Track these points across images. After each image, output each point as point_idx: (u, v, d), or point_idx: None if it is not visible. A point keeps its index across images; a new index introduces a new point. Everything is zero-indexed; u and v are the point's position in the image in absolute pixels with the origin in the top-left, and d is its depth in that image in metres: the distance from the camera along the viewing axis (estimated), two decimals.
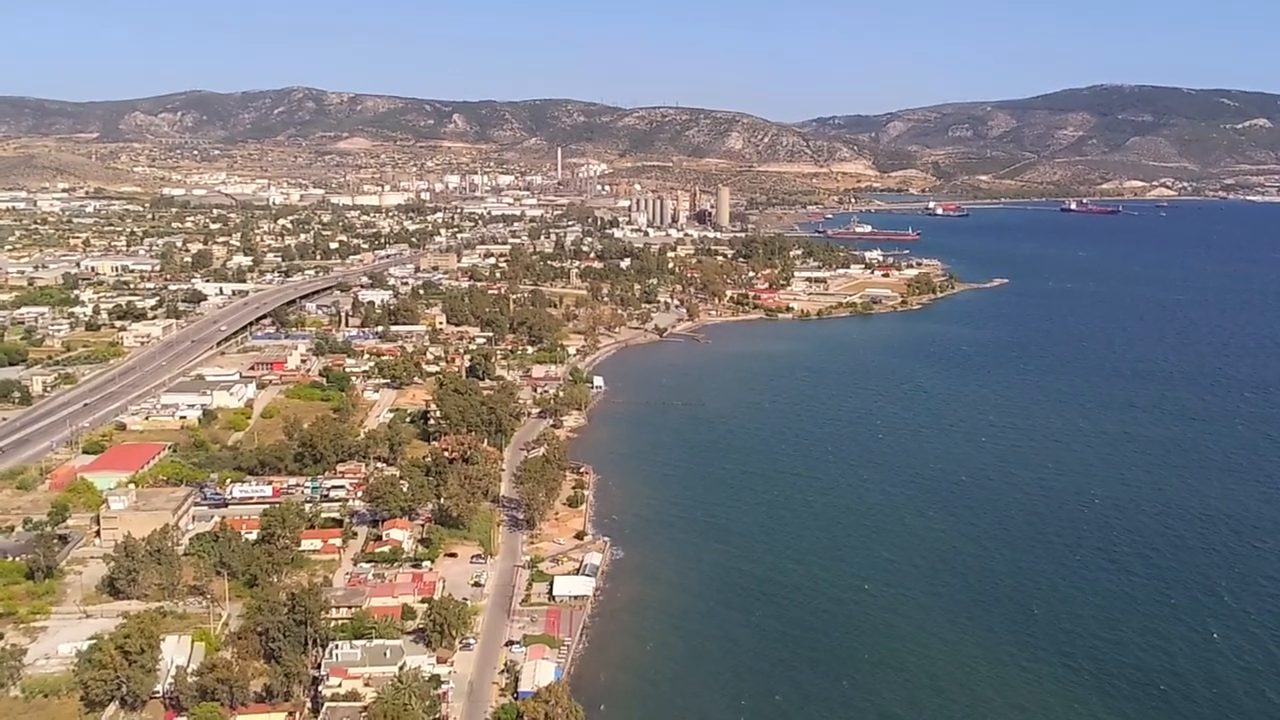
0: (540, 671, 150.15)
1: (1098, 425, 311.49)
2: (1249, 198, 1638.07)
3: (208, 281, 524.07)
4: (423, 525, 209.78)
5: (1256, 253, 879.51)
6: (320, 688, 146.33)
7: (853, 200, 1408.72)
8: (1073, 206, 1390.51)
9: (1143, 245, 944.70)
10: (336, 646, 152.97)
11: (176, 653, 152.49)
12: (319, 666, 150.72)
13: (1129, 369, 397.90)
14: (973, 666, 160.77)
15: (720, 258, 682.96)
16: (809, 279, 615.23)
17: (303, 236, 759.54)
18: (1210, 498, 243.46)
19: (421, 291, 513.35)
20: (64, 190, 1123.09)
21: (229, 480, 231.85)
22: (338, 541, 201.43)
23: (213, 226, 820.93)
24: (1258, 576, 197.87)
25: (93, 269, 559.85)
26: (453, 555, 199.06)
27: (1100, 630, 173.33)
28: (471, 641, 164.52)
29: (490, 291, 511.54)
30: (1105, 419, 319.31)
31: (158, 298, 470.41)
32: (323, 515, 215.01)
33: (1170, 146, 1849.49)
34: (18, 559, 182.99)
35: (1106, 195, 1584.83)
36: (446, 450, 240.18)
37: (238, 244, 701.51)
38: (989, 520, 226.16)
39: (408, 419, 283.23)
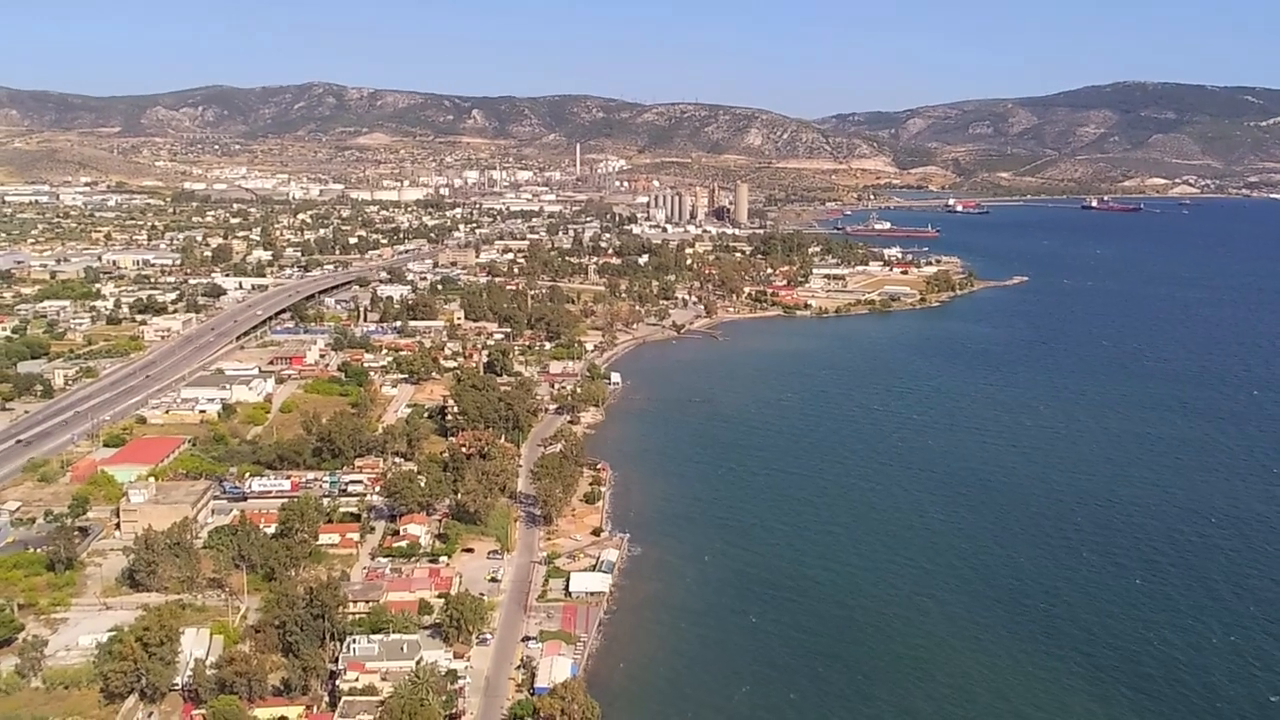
0: (556, 667, 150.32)
1: (1111, 425, 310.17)
2: (1272, 195, 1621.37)
3: (227, 276, 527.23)
4: (440, 521, 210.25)
5: (1278, 251, 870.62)
6: (337, 682, 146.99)
7: (872, 197, 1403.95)
8: (1094, 204, 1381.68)
9: (1164, 244, 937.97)
10: (354, 641, 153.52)
11: (195, 645, 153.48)
12: (336, 660, 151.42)
13: (1145, 369, 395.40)
14: (981, 666, 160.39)
15: (738, 254, 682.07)
16: (827, 276, 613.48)
17: (322, 231, 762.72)
18: (1218, 499, 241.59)
19: (440, 287, 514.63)
20: (86, 184, 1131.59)
21: (248, 474, 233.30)
22: (355, 536, 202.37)
23: (233, 221, 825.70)
24: (1267, 579, 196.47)
25: (114, 263, 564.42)
26: (470, 551, 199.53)
27: (1104, 631, 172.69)
28: (488, 637, 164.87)
29: (508, 287, 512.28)
30: (1119, 419, 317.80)
31: (178, 292, 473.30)
32: (340, 510, 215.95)
33: (1193, 144, 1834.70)
34: (39, 551, 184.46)
35: (1128, 193, 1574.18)
36: (464, 446, 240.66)
37: (257, 239, 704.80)
38: (1002, 521, 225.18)
39: (425, 414, 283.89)
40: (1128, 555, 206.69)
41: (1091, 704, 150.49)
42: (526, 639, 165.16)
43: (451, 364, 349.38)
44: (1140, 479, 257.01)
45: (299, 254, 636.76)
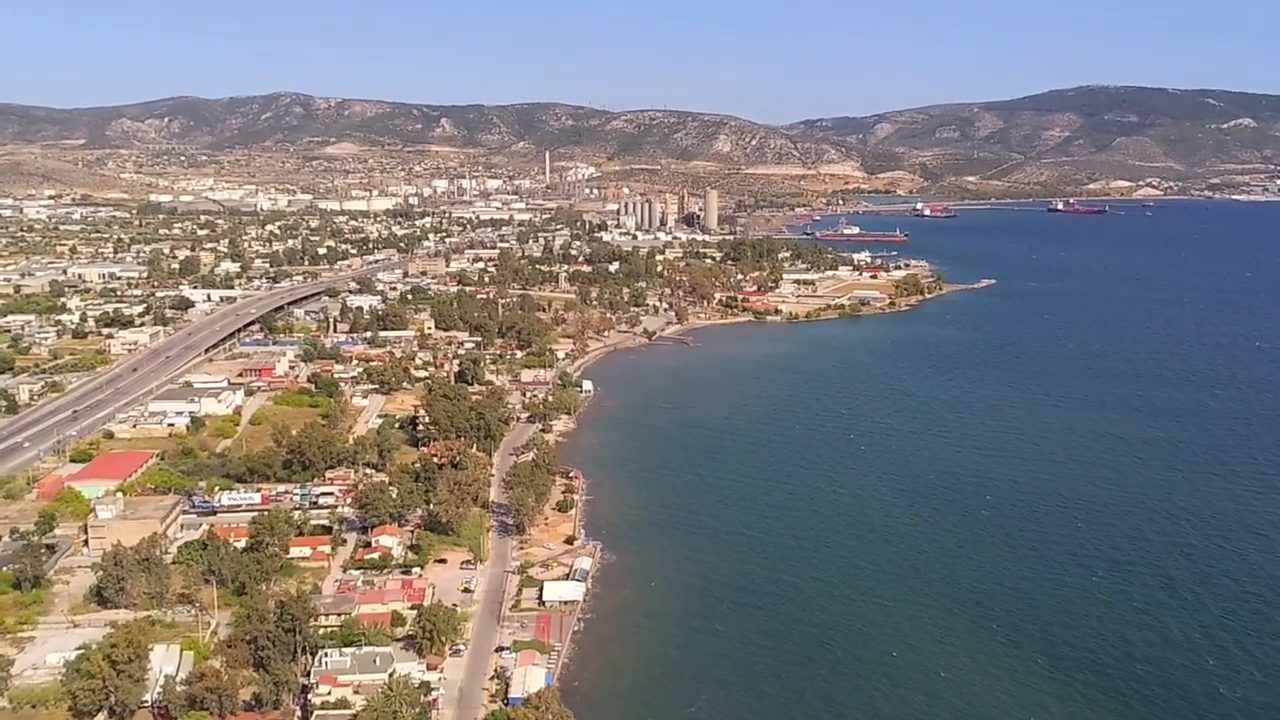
0: (530, 677, 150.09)
1: (1074, 424, 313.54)
2: (1234, 197, 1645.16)
3: (195, 288, 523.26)
4: (412, 531, 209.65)
5: (1238, 252, 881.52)
6: (309, 696, 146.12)
7: (841, 202, 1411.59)
8: (1060, 207, 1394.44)
9: (1128, 245, 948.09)
10: (326, 654, 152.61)
11: (165, 662, 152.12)
12: (308, 674, 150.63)
13: (1109, 369, 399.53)
14: (944, 668, 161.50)
15: (708, 260, 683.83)
16: (797, 281, 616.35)
17: (290, 242, 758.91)
18: (1178, 496, 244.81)
19: (410, 296, 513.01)
20: (50, 197, 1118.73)
21: (217, 488, 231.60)
22: (327, 548, 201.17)
23: (200, 233, 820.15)
24: (1223, 575, 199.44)
25: (80, 276, 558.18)
26: (442, 561, 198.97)
27: (1065, 629, 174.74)
28: (461, 648, 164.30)
29: (479, 296, 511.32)
30: (1082, 418, 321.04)
31: (145, 305, 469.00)
32: (311, 522, 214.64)
33: (1156, 146, 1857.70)
34: (5, 569, 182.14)
35: (1093, 195, 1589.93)
36: (435, 456, 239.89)
37: (225, 250, 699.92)
38: (966, 522, 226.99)
39: (396, 425, 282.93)
40: (1089, 553, 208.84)
41: (1052, 701, 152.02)
42: (500, 649, 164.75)
43: (422, 374, 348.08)
44: (1102, 477, 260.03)
45: (267, 265, 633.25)
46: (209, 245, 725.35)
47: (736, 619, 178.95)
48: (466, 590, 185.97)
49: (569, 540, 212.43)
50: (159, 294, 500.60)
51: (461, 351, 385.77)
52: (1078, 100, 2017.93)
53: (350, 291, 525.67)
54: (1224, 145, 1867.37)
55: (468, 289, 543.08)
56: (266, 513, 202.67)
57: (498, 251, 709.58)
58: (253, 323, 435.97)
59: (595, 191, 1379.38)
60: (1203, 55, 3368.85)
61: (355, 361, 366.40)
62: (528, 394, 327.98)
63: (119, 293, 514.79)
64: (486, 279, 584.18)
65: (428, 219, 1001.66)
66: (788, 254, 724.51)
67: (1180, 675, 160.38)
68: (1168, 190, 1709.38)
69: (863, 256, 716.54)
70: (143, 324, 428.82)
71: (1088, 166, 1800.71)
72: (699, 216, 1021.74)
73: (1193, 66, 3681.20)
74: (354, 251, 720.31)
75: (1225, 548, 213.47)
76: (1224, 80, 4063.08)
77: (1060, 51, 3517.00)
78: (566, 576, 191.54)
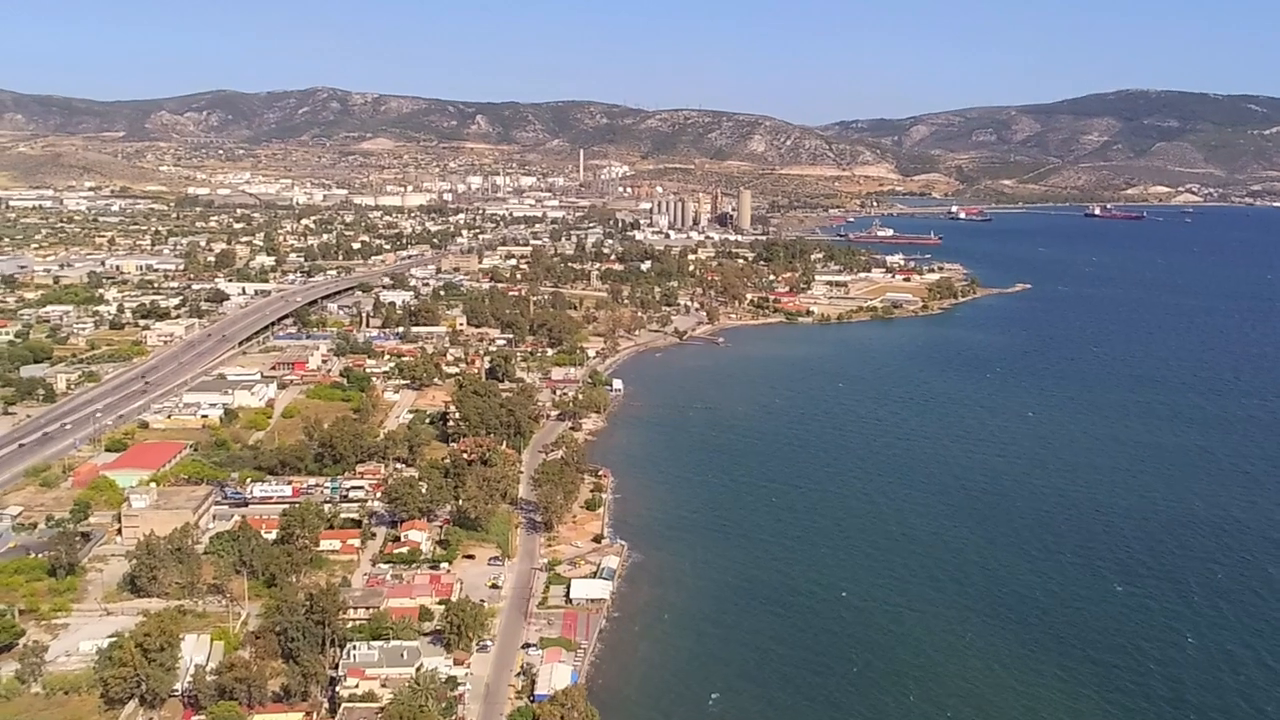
0: (556, 674, 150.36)
1: (1100, 431, 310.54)
2: (1275, 204, 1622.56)
3: (230, 281, 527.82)
4: (441, 527, 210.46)
5: (1277, 260, 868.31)
6: (337, 688, 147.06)
7: (875, 204, 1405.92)
8: (1097, 212, 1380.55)
9: (1165, 252, 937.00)
10: (354, 647, 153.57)
11: (196, 651, 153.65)
12: (336, 667, 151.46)
13: (1138, 376, 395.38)
14: (959, 677, 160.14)
15: (741, 261, 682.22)
16: (830, 283, 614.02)
17: (325, 237, 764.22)
18: (1201, 505, 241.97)
19: (442, 293, 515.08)
20: (90, 189, 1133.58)
21: (249, 480, 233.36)
22: (356, 542, 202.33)
23: (236, 226, 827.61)
24: (1243, 586, 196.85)
25: (117, 268, 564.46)
26: (470, 557, 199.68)
27: (1081, 640, 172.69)
28: (488, 643, 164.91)
29: (511, 293, 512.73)
30: (1109, 425, 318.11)
31: (181, 297, 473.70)
32: (342, 516, 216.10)
33: (1196, 152, 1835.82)
34: (40, 556, 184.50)
35: (1131, 201, 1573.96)
36: (465, 452, 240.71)
37: (261, 244, 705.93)
38: (988, 529, 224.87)
39: (427, 420, 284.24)
40: (1108, 563, 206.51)
41: (1065, 714, 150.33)
42: (527, 646, 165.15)
43: (453, 370, 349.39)
44: (1125, 485, 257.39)
45: (302, 259, 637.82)
46: (245, 239, 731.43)
47: (758, 622, 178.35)
48: (494, 586, 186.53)
49: (597, 538, 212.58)
50: (195, 287, 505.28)
51: (493, 348, 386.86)
52: (1117, 104, 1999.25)
53: (383, 287, 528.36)
54: (1265, 151, 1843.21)
55: (500, 286, 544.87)
56: (297, 505, 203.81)
57: (530, 249, 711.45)
58: (286, 316, 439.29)
59: (628, 190, 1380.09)
60: (1245, 60, 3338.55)
61: (387, 357, 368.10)
62: (558, 392, 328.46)
63: (155, 285, 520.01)
64: (519, 276, 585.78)
65: (461, 215, 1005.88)
66: (820, 255, 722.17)
67: (1197, 692, 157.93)
68: (1207, 196, 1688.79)
69: (896, 259, 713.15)
70: (178, 316, 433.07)
71: (1126, 171, 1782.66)
72: (732, 216, 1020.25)
73: (1234, 71, 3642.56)
74: (388, 247, 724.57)
75: (1249, 560, 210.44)
76: (1266, 85, 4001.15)
77: (1100, 55, 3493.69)
78: (594, 575, 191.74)
